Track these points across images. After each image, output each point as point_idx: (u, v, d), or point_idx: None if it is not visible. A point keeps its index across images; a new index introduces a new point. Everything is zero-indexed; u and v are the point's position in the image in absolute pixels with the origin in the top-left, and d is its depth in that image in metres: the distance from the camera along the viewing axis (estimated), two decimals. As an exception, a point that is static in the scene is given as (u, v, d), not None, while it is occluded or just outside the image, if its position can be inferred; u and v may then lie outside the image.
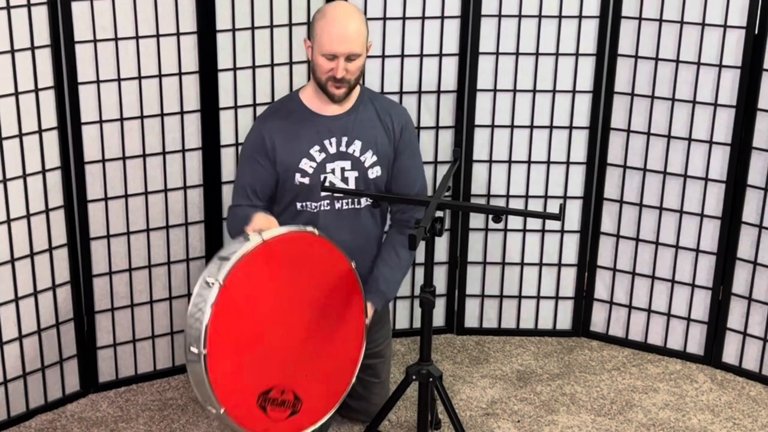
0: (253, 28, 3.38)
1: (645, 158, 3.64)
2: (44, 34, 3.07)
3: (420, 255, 3.75)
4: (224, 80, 3.39)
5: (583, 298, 3.87)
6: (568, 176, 3.73)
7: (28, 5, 3.02)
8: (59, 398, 3.40)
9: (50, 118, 3.16)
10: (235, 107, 3.43)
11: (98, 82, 3.20)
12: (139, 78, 3.26)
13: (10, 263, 3.17)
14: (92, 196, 3.30)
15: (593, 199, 3.75)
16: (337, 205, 3.09)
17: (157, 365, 3.57)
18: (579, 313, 3.88)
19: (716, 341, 3.69)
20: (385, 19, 3.53)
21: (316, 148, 3.05)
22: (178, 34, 3.28)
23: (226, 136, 3.45)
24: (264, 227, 2.73)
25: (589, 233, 3.78)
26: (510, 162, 3.72)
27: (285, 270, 2.74)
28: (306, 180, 3.05)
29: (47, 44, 3.09)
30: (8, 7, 2.98)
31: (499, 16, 3.57)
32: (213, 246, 3.47)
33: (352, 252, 2.99)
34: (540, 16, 3.56)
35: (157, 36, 3.25)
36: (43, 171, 3.18)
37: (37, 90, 3.10)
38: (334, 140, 3.06)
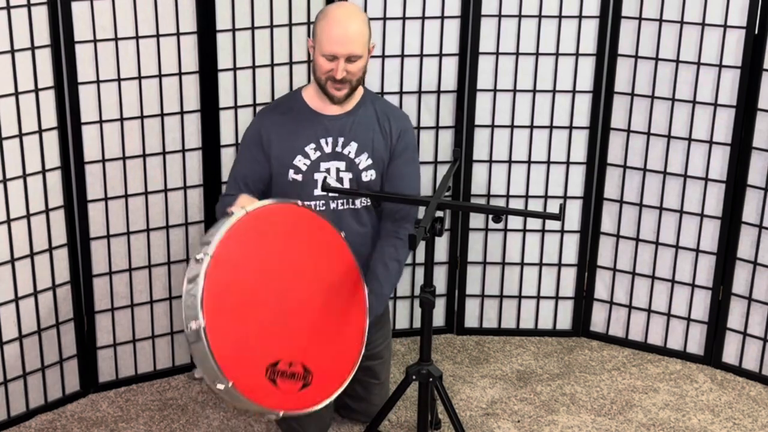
0: (253, 28, 3.38)
1: (645, 158, 3.64)
2: (44, 34, 3.07)
3: (420, 255, 3.75)
4: (224, 80, 3.39)
5: (583, 298, 3.87)
6: (568, 176, 3.73)
7: (28, 5, 3.02)
8: (59, 398, 3.41)
9: (50, 118, 3.16)
10: (235, 107, 3.43)
11: (98, 82, 3.20)
12: (139, 78, 3.26)
13: (10, 263, 3.17)
14: (92, 196, 3.30)
15: (593, 199, 3.75)
16: (333, 205, 3.09)
17: (157, 365, 3.57)
18: (579, 313, 3.88)
19: (716, 341, 3.69)
20: (385, 19, 3.53)
21: (312, 146, 3.05)
22: (178, 34, 3.28)
23: (226, 136, 3.45)
24: (247, 204, 2.77)
25: (589, 233, 3.78)
26: (510, 162, 3.72)
27: (272, 239, 2.77)
28: (299, 177, 3.05)
29: (47, 44, 3.09)
30: (8, 7, 2.98)
31: (499, 16, 3.57)
32: (213, 246, 3.47)
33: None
34: (540, 16, 3.56)
35: (157, 36, 3.25)
36: (43, 171, 3.18)
37: (37, 90, 3.10)
38: (330, 140, 3.06)
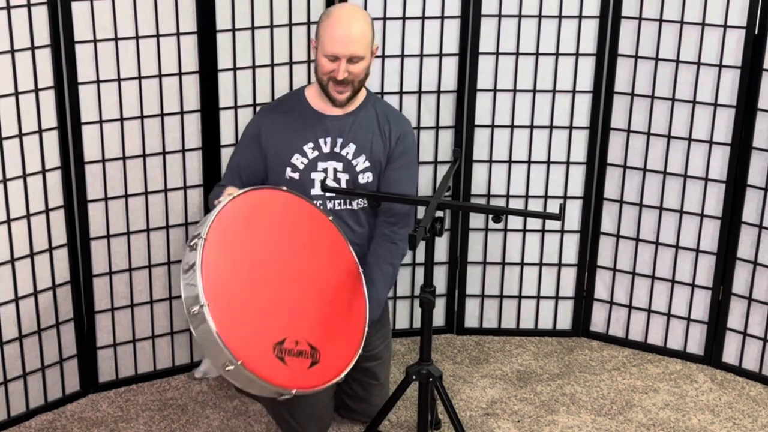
0: (253, 28, 3.38)
1: (645, 158, 3.64)
2: (44, 34, 3.07)
3: (420, 255, 3.75)
4: (224, 80, 3.39)
5: (583, 298, 3.87)
6: (568, 176, 3.73)
7: (28, 5, 3.02)
8: (59, 398, 3.40)
9: (50, 118, 3.16)
10: (235, 107, 3.43)
11: (98, 82, 3.20)
12: (139, 78, 3.26)
13: (10, 263, 3.17)
14: (92, 196, 3.30)
15: (593, 199, 3.75)
16: (330, 205, 3.09)
17: (157, 365, 3.57)
18: (579, 313, 3.88)
19: (716, 341, 3.69)
20: (385, 19, 3.53)
21: (310, 145, 3.06)
22: (178, 34, 3.28)
23: (226, 136, 3.45)
24: (234, 192, 2.82)
25: (589, 233, 3.78)
26: (510, 162, 3.72)
27: (262, 221, 2.81)
28: (296, 175, 3.06)
29: (47, 44, 3.09)
30: (8, 7, 2.98)
31: (499, 16, 3.57)
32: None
33: None
34: (540, 16, 3.56)
35: (157, 36, 3.25)
36: (43, 171, 3.18)
37: (37, 90, 3.10)
38: (329, 140, 3.06)
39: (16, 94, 3.06)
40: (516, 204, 3.76)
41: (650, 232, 3.70)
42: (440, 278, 3.84)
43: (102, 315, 3.43)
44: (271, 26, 3.41)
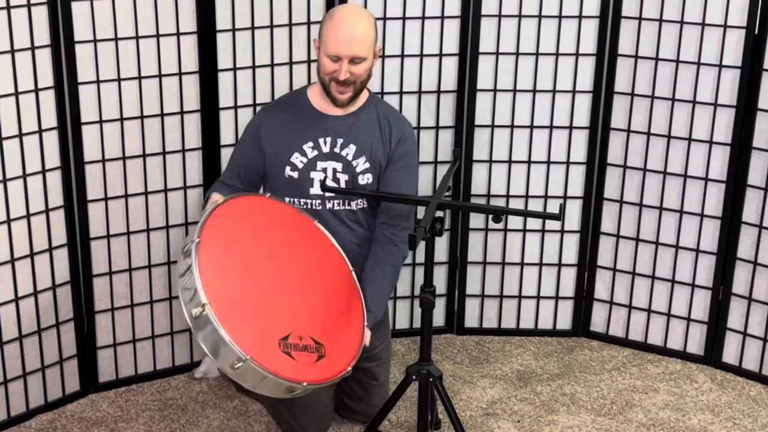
0: (253, 28, 3.38)
1: (645, 158, 3.64)
2: (44, 34, 3.07)
3: (420, 255, 3.75)
4: (224, 80, 3.39)
5: (583, 298, 3.87)
6: (568, 176, 3.73)
7: (28, 5, 3.01)
8: (59, 398, 3.40)
9: (50, 118, 3.16)
10: (235, 107, 3.43)
11: (98, 82, 3.20)
12: (139, 78, 3.26)
13: (10, 263, 3.17)
14: (92, 196, 3.30)
15: (593, 199, 3.75)
16: (329, 205, 3.09)
17: (157, 365, 3.57)
18: (579, 313, 3.88)
19: (716, 341, 3.69)
20: (385, 19, 3.53)
21: (310, 144, 3.06)
22: (178, 34, 3.28)
23: (226, 136, 3.45)
24: (220, 199, 2.86)
25: (589, 233, 3.78)
26: (510, 162, 3.72)
27: (251, 224, 2.85)
28: (295, 174, 3.06)
29: (47, 44, 3.09)
30: (8, 7, 2.98)
31: (499, 16, 3.57)
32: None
33: (346, 254, 3.01)
34: (540, 16, 3.56)
35: (157, 36, 3.25)
36: (43, 171, 3.18)
37: (37, 90, 3.10)
38: (329, 140, 3.06)
39: (16, 94, 3.06)
40: (516, 204, 3.76)
41: (650, 232, 3.70)
42: (440, 278, 3.84)
43: (102, 315, 3.43)
44: (271, 26, 3.41)
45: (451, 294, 3.88)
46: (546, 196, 3.75)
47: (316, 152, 3.06)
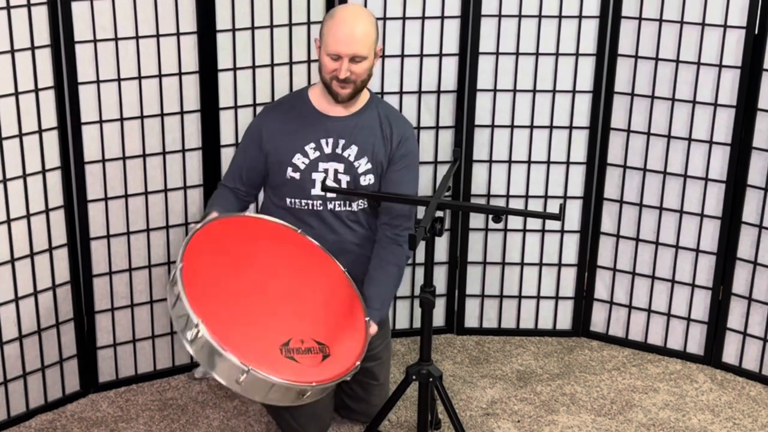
0: (253, 28, 3.38)
1: (645, 158, 3.64)
2: (44, 34, 3.07)
3: (420, 255, 3.75)
4: (224, 80, 3.39)
5: (583, 298, 3.87)
6: (568, 176, 3.73)
7: (28, 5, 3.01)
8: (59, 398, 3.40)
9: (50, 118, 3.16)
10: (235, 107, 3.43)
11: (98, 82, 3.20)
12: (139, 78, 3.26)
13: (10, 263, 3.17)
14: (92, 196, 3.30)
15: (593, 199, 3.75)
16: (330, 206, 3.09)
17: (157, 365, 3.57)
18: (579, 313, 3.88)
19: (716, 341, 3.69)
20: (385, 19, 3.53)
21: (312, 145, 3.06)
22: (178, 34, 3.28)
23: (226, 136, 3.45)
24: (198, 225, 2.87)
25: (589, 233, 3.78)
26: (510, 162, 3.72)
27: (234, 241, 2.86)
28: (297, 175, 3.06)
29: (47, 44, 3.09)
30: (8, 7, 2.98)
31: (499, 16, 3.57)
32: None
33: (347, 254, 3.01)
34: (540, 16, 3.56)
35: (157, 36, 3.25)
36: (43, 171, 3.18)
37: (37, 90, 3.10)
38: (330, 141, 3.06)
39: (16, 94, 3.06)
40: (516, 204, 3.76)
41: (650, 232, 3.70)
42: (440, 278, 3.84)
43: (102, 315, 3.43)
44: (271, 26, 3.41)
45: (451, 294, 3.88)
46: (546, 196, 3.75)
47: (318, 153, 3.06)
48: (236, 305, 2.71)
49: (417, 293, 3.78)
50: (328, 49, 2.95)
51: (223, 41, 3.34)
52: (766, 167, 3.46)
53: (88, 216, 3.30)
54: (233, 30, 3.35)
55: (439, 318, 3.89)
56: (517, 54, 3.61)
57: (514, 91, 3.65)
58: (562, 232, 3.79)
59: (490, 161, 3.72)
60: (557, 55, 3.60)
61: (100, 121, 3.25)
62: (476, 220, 3.79)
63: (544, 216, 3.07)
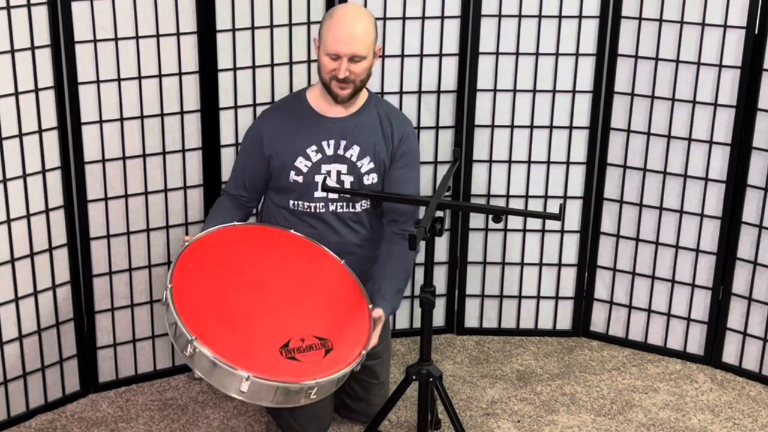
0: (253, 28, 3.38)
1: (645, 158, 3.64)
2: (44, 34, 3.07)
3: (420, 255, 3.75)
4: (224, 80, 3.39)
5: (583, 298, 3.87)
6: (568, 176, 3.73)
7: (28, 5, 3.01)
8: (59, 398, 3.40)
9: (50, 118, 3.16)
10: (235, 107, 3.43)
11: (98, 82, 3.20)
12: (139, 78, 3.26)
13: (10, 263, 3.17)
14: (92, 196, 3.30)
15: (593, 199, 3.75)
16: (332, 207, 3.09)
17: (157, 365, 3.57)
18: (579, 313, 3.88)
19: (716, 341, 3.69)
20: (385, 19, 3.53)
21: (314, 148, 3.06)
22: (178, 34, 3.28)
23: (226, 136, 3.45)
24: (188, 240, 2.89)
25: (589, 233, 3.78)
26: (510, 162, 3.72)
27: (224, 252, 2.86)
28: (300, 178, 3.06)
29: (47, 44, 3.09)
30: (8, 7, 2.98)
31: (499, 16, 3.57)
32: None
33: (349, 256, 3.01)
34: (540, 16, 3.56)
35: (157, 36, 3.25)
36: (43, 171, 3.18)
37: (37, 90, 3.10)
38: (332, 142, 3.06)
39: (16, 94, 3.06)
40: (516, 204, 3.76)
41: (650, 232, 3.70)
42: (440, 278, 3.84)
43: (102, 315, 3.43)
44: (271, 26, 3.41)
45: (451, 294, 3.88)
46: (546, 196, 3.75)
47: (320, 155, 3.06)
48: (231, 316, 2.70)
49: (417, 293, 3.78)
50: (327, 49, 2.94)
51: (223, 41, 3.34)
52: (766, 167, 3.46)
53: (88, 216, 3.30)
54: (233, 30, 3.35)
55: (439, 318, 3.89)
56: (517, 54, 3.61)
57: (514, 91, 3.65)
58: (562, 232, 3.79)
59: (490, 161, 3.72)
60: (557, 55, 3.60)
61: (100, 121, 3.25)
62: (476, 220, 3.79)
63: (544, 216, 3.07)
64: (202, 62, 3.33)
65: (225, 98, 3.41)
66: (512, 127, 3.68)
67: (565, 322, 3.90)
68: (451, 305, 3.90)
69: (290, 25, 3.44)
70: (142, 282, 3.46)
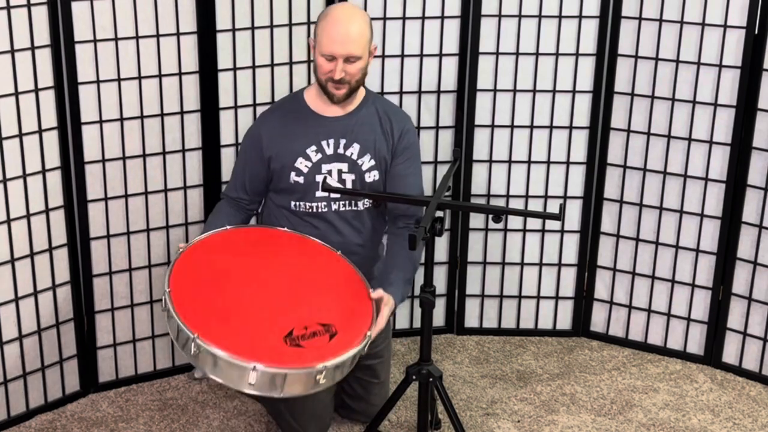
0: (253, 28, 3.38)
1: (645, 158, 3.64)
2: (44, 34, 3.07)
3: (420, 255, 3.75)
4: (224, 80, 3.39)
5: (583, 298, 3.87)
6: (568, 176, 3.73)
7: (28, 5, 3.01)
8: (59, 398, 3.40)
9: (50, 118, 3.16)
10: (235, 107, 3.43)
11: (98, 82, 3.20)
12: (139, 78, 3.26)
13: (10, 263, 3.17)
14: (92, 196, 3.30)
15: (593, 199, 3.75)
16: (334, 207, 3.09)
17: (157, 365, 3.57)
18: (579, 313, 3.88)
19: (716, 341, 3.69)
20: (385, 19, 3.53)
21: (313, 148, 3.05)
22: (178, 34, 3.28)
23: (226, 136, 3.45)
24: (182, 246, 2.89)
25: (589, 233, 3.78)
26: (510, 162, 3.72)
27: (219, 255, 2.87)
28: (300, 179, 3.05)
29: (47, 44, 3.09)
30: (8, 7, 2.98)
31: (499, 16, 3.57)
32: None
33: (351, 256, 3.01)
34: (540, 16, 3.56)
35: (157, 36, 3.25)
36: (43, 171, 3.18)
37: (37, 90, 3.10)
38: (332, 141, 3.06)
39: (16, 94, 3.06)
40: (516, 204, 3.76)
41: (650, 232, 3.70)
42: (440, 278, 3.84)
43: (102, 315, 3.43)
44: (271, 26, 3.41)
45: (451, 294, 3.88)
46: (546, 196, 3.75)
47: (320, 155, 3.06)
48: (232, 312, 2.71)
49: (417, 293, 3.78)
50: (323, 50, 2.94)
51: (223, 41, 3.34)
52: (766, 167, 3.46)
53: (88, 216, 3.30)
54: (233, 30, 3.35)
55: (439, 318, 3.89)
56: (517, 54, 3.61)
57: (514, 91, 3.65)
58: (562, 232, 3.79)
59: (490, 161, 3.72)
60: (557, 55, 3.60)
61: (100, 121, 3.25)
62: (476, 220, 3.79)
63: (544, 216, 3.07)
64: (202, 62, 3.33)
65: (225, 98, 3.41)
66: (512, 127, 3.68)
67: (565, 322, 3.90)
68: (451, 305, 3.90)
69: (290, 25, 3.44)
70: (142, 282, 3.46)
